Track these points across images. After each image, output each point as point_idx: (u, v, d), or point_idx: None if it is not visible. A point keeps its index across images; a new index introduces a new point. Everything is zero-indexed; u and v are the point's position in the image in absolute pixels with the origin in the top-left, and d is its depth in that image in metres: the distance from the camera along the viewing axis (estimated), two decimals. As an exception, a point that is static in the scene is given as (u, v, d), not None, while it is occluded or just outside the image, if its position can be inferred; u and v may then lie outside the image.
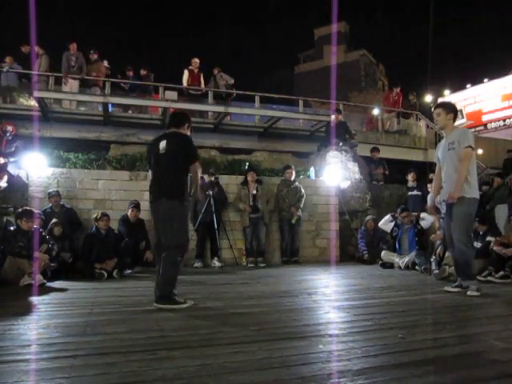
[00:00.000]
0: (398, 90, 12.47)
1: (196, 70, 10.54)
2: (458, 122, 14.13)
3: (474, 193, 3.97)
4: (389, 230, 6.91)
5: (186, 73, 10.46)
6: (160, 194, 3.50)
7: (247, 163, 7.49)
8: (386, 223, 6.98)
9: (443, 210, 4.28)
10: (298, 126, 10.85)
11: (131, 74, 10.34)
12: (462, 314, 3.24)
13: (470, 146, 3.94)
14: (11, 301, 3.71)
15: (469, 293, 3.87)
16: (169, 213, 3.45)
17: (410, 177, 8.60)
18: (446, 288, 4.16)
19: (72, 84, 9.46)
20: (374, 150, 9.92)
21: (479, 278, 4.81)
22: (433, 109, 4.39)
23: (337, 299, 3.84)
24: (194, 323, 2.84)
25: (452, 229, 4.00)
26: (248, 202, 7.07)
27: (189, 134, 3.79)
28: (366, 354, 2.11)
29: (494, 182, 9.10)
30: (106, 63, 10.39)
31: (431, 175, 8.73)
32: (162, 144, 3.55)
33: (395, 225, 6.81)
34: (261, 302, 3.62)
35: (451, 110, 4.23)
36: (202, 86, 10.59)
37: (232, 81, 10.89)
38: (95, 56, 9.90)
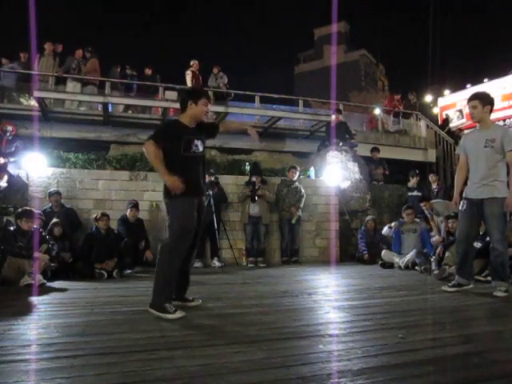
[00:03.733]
0: (399, 97, 12.62)
1: (197, 71, 10.56)
2: (458, 122, 14.13)
3: (506, 192, 3.86)
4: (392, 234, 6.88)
5: (189, 74, 10.45)
6: (163, 194, 3.29)
7: (248, 166, 7.41)
8: (387, 231, 6.94)
9: (462, 207, 4.08)
10: (297, 126, 10.84)
11: (131, 72, 10.35)
12: (462, 314, 3.24)
13: None
14: (11, 301, 3.71)
15: (495, 293, 3.81)
16: (167, 210, 3.28)
17: (413, 179, 8.55)
18: (444, 288, 4.15)
19: (75, 85, 9.49)
20: (374, 150, 9.91)
21: (479, 278, 4.81)
22: (467, 100, 4.05)
23: (337, 299, 3.84)
24: (194, 323, 2.84)
25: (489, 230, 3.95)
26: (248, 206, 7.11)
27: (199, 111, 3.27)
28: (365, 354, 2.11)
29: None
30: (119, 68, 10.44)
31: (431, 176, 8.73)
32: None
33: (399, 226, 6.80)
34: (261, 302, 3.62)
35: (488, 101, 3.93)
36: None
37: (226, 80, 10.91)
38: (88, 54, 9.91)
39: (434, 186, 8.40)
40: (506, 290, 3.80)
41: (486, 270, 4.93)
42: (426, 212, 7.25)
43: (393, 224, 6.86)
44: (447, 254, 5.37)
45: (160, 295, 3.05)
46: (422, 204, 7.35)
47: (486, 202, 3.88)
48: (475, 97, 3.98)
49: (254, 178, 7.20)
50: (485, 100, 3.93)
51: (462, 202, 4.10)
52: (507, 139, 3.80)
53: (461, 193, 4.16)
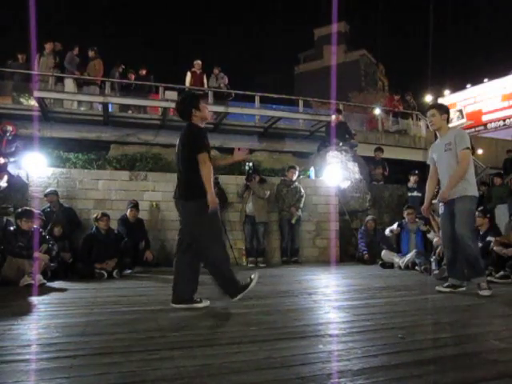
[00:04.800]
0: (399, 97, 12.67)
1: (198, 72, 10.58)
2: (458, 122, 14.21)
3: (474, 191, 4.04)
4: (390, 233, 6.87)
5: (188, 75, 10.51)
6: (178, 195, 3.35)
7: (250, 164, 7.42)
8: (388, 234, 6.93)
9: (441, 210, 4.28)
10: (297, 126, 10.86)
11: (133, 77, 10.37)
12: (462, 314, 3.24)
13: (467, 148, 3.98)
14: (11, 301, 3.71)
15: (481, 292, 3.84)
16: (187, 216, 3.31)
17: (413, 179, 8.56)
18: (438, 288, 4.17)
19: (74, 84, 9.51)
20: (378, 150, 9.89)
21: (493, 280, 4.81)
22: (426, 110, 4.41)
23: (337, 299, 3.84)
24: (194, 323, 2.84)
25: (456, 227, 4.00)
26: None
27: (205, 114, 3.41)
28: (365, 354, 2.10)
29: (494, 182, 9.11)
30: (122, 66, 10.44)
31: None
32: (178, 141, 3.40)
33: (399, 225, 6.79)
34: (261, 302, 3.62)
35: (444, 110, 4.25)
36: (206, 86, 10.61)
37: (226, 81, 10.94)
38: (93, 53, 9.93)
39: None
40: (489, 287, 3.86)
41: (487, 269, 4.93)
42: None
43: (394, 227, 6.82)
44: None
45: (232, 286, 3.31)
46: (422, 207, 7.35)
47: (456, 200, 4.01)
48: (433, 106, 4.37)
49: (249, 168, 7.26)
50: (442, 109, 4.25)
51: (440, 206, 4.28)
52: (458, 140, 4.01)
53: (430, 200, 4.44)
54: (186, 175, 3.29)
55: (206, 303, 3.32)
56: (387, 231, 6.92)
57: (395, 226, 6.87)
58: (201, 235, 3.26)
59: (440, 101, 15.46)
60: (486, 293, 3.82)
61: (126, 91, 10.11)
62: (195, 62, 10.61)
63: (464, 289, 4.12)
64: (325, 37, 44.26)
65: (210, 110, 10.77)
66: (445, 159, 4.12)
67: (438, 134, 4.33)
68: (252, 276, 3.37)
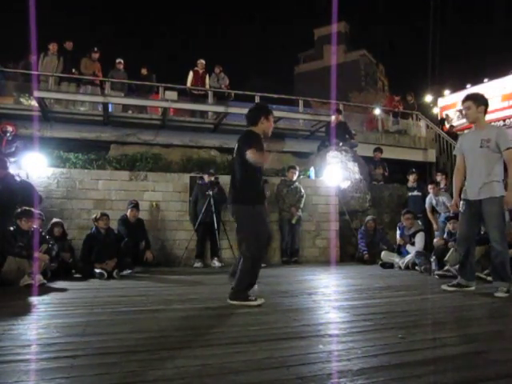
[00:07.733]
0: (399, 98, 12.67)
1: (201, 71, 10.57)
2: (458, 122, 14.11)
3: (502, 190, 3.88)
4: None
5: (190, 74, 10.51)
6: (231, 198, 3.55)
7: None
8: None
9: (462, 208, 4.10)
10: (298, 126, 10.84)
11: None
12: (462, 314, 3.24)
13: (510, 147, 3.81)
14: (11, 301, 3.71)
15: (496, 294, 3.79)
16: (238, 217, 3.51)
17: (411, 178, 8.55)
18: (444, 287, 4.16)
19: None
20: (377, 150, 9.89)
21: (480, 275, 4.81)
22: (462, 101, 4.09)
23: (337, 299, 3.84)
24: (194, 323, 2.84)
25: (488, 229, 3.94)
26: None
27: (270, 125, 3.57)
28: (365, 354, 2.10)
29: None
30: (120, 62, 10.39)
31: (438, 174, 8.68)
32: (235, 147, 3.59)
33: (400, 232, 6.78)
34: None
35: (482, 102, 3.97)
36: (207, 86, 10.61)
37: (227, 82, 10.95)
38: (97, 55, 9.91)
39: (442, 184, 8.30)
40: (508, 291, 3.79)
41: (487, 269, 4.92)
42: (428, 199, 7.21)
43: (398, 237, 6.80)
44: (448, 253, 5.38)
45: (245, 288, 3.44)
46: (430, 186, 7.33)
47: (484, 202, 3.89)
48: (468, 98, 4.03)
49: None
50: (478, 101, 3.97)
51: (461, 204, 4.12)
52: (502, 138, 3.84)
53: (459, 193, 4.17)
54: (242, 181, 3.44)
55: (260, 301, 3.42)
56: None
57: (397, 235, 6.84)
58: (248, 235, 3.47)
59: (440, 101, 15.41)
60: (500, 294, 3.76)
61: (127, 91, 10.10)
62: (199, 62, 10.59)
63: (472, 288, 4.09)
64: (325, 37, 44.29)
65: (209, 109, 10.72)
66: (479, 156, 3.91)
67: (473, 127, 4.10)
68: (258, 299, 3.45)
